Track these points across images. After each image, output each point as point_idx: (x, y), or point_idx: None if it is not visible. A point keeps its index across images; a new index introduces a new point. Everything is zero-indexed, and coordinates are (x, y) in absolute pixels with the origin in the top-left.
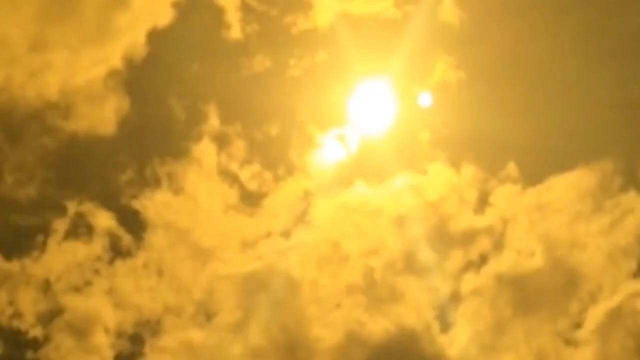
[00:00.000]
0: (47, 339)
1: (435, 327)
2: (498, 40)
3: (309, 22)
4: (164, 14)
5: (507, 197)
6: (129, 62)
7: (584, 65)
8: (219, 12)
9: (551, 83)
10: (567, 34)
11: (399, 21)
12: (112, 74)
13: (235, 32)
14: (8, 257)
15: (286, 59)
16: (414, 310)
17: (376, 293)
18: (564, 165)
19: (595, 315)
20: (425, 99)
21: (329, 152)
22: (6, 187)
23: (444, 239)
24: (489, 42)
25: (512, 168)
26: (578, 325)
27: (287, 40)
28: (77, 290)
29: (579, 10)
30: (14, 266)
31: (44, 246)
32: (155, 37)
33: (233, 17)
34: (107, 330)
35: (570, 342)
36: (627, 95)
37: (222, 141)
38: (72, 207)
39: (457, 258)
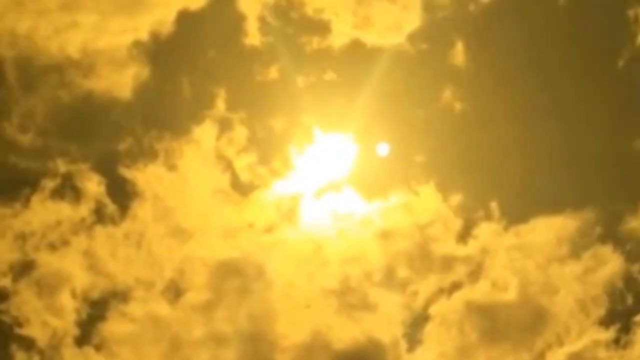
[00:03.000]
0: (13, 291)
1: (402, 344)
2: (500, 84)
3: (323, 42)
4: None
5: (489, 231)
6: (155, 36)
7: (585, 116)
8: (241, 16)
9: (550, 130)
10: (566, 80)
11: (410, 56)
12: (136, 44)
13: (253, 38)
14: None
15: (297, 71)
16: (383, 323)
17: (349, 300)
18: (548, 208)
19: (557, 357)
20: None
21: (326, 157)
22: (10, 129)
23: (424, 260)
24: (492, 84)
25: (499, 204)
26: None
27: (300, 55)
28: (53, 248)
29: (579, 55)
30: None
31: (27, 199)
32: (183, 18)
33: (251, 25)
34: (74, 292)
35: None
36: (624, 149)
37: (224, 126)
38: (63, 166)
39: (433, 280)
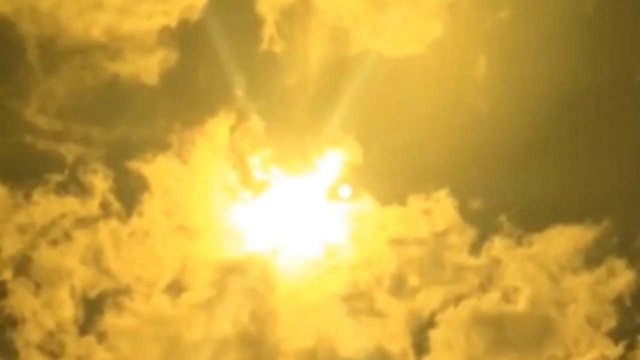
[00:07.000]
0: (10, 287)
1: (410, 353)
2: (518, 88)
3: (340, 52)
4: None
5: (503, 240)
6: (184, 22)
7: (607, 127)
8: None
9: (570, 139)
10: (586, 93)
11: (429, 65)
12: (165, 29)
13: (273, 44)
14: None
15: (316, 78)
16: (391, 331)
17: (356, 306)
18: (564, 218)
19: None
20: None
21: (342, 160)
22: (30, 110)
23: (435, 269)
24: (509, 90)
25: (515, 212)
26: None
27: (319, 63)
28: (54, 243)
29: (601, 71)
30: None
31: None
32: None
33: (270, 28)
34: (73, 289)
35: None
36: None
37: (240, 118)
38: (71, 154)
39: (442, 290)
